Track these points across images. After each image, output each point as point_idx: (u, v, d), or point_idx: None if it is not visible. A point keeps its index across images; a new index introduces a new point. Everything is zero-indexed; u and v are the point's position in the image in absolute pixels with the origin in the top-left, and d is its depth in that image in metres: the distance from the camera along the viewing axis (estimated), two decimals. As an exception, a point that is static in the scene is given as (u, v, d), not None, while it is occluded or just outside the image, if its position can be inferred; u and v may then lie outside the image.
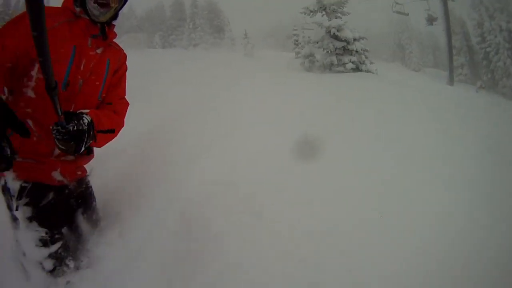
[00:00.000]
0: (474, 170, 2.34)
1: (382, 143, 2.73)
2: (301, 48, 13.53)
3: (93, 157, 1.75)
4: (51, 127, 1.26)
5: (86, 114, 1.37)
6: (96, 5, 1.41)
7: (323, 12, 10.80)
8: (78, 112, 1.38)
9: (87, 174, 1.78)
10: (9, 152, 1.01)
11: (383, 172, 2.16)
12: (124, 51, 1.72)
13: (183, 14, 33.61)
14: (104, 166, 2.16)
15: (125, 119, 1.72)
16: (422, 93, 6.94)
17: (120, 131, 1.68)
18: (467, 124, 3.98)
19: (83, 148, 1.34)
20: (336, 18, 10.59)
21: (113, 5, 1.44)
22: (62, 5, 1.51)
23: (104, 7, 1.42)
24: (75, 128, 1.28)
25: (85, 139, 1.33)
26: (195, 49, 26.10)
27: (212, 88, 5.01)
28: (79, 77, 1.46)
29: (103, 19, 1.46)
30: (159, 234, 1.72)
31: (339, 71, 10.21)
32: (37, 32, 0.72)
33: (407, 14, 23.61)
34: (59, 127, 1.23)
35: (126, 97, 1.76)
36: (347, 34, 9.94)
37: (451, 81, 20.19)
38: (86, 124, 1.33)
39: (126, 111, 1.72)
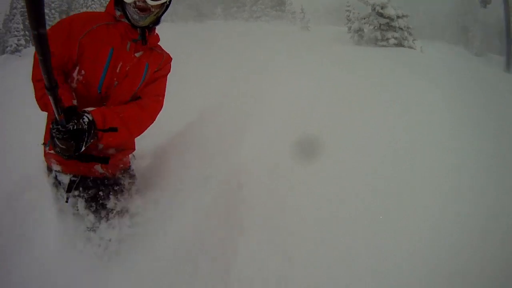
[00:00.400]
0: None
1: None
2: (351, 23, 14.88)
3: (133, 150, 1.81)
4: (50, 127, 1.23)
5: (88, 112, 1.35)
6: (135, 9, 1.39)
7: (371, -10, 12.11)
8: (80, 111, 1.35)
9: (130, 165, 1.85)
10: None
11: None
12: (169, 54, 1.69)
13: (244, -13, 34.84)
14: (148, 147, 2.16)
15: (156, 116, 1.66)
16: (455, 73, 5.28)
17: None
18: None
19: (83, 148, 1.30)
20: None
21: (153, 10, 1.42)
22: (105, 10, 1.53)
23: (144, 12, 1.40)
24: (74, 127, 1.24)
25: (86, 139, 1.29)
26: (256, 22, 27.46)
27: (265, 55, 5.39)
28: (115, 78, 1.48)
29: (142, 23, 1.44)
30: (195, 213, 1.75)
31: (382, 45, 11.59)
32: (37, 31, 0.71)
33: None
34: (58, 126, 1.20)
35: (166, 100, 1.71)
36: (390, 11, 11.27)
37: (507, 67, 19.68)
38: (86, 123, 1.29)
39: (156, 110, 1.65)
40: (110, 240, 1.65)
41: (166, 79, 1.70)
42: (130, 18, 1.43)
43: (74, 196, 1.57)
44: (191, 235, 1.63)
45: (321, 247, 1.43)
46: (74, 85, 1.47)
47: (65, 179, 1.58)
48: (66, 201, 1.57)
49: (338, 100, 2.69)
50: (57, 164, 1.57)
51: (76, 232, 1.62)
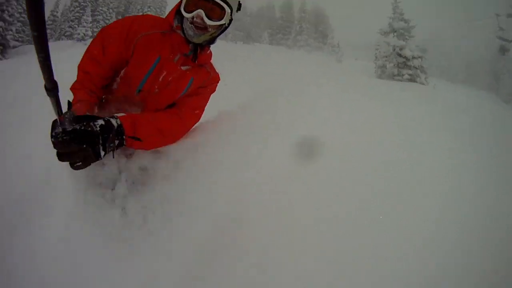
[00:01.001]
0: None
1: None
2: (377, 60, 17.70)
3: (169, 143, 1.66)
4: (50, 133, 1.09)
5: (116, 117, 1.28)
6: (192, 25, 1.36)
7: (394, 34, 14.96)
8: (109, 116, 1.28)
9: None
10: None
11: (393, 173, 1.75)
12: (218, 75, 1.66)
13: (291, 17, 37.87)
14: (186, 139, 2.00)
15: (191, 128, 1.63)
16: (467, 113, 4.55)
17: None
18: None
19: (103, 152, 1.20)
20: (403, 40, 14.62)
21: (210, 29, 1.38)
22: (166, 17, 1.52)
23: (200, 30, 1.37)
24: (82, 128, 1.13)
25: (100, 142, 1.19)
26: (299, 50, 30.45)
27: (300, 82, 5.65)
28: (156, 86, 1.47)
29: (196, 41, 1.41)
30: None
31: (398, 79, 14.14)
32: (37, 32, 0.72)
33: (511, 41, 23.53)
34: (59, 129, 1.07)
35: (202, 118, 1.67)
36: (407, 52, 13.92)
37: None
38: (98, 125, 1.19)
39: (192, 123, 1.62)
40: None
41: (209, 97, 1.66)
42: (185, 32, 1.40)
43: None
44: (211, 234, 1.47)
45: (321, 247, 1.37)
46: (118, 79, 1.53)
47: None
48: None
49: (349, 113, 2.58)
50: None
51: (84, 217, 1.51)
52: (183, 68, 1.49)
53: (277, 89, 2.93)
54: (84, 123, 1.17)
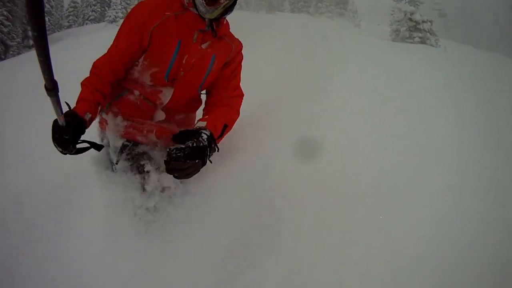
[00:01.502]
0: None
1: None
2: (392, 25, 19.46)
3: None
4: (167, 150, 1.31)
5: (205, 128, 1.41)
6: (203, 2, 1.35)
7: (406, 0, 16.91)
8: (195, 128, 1.42)
9: None
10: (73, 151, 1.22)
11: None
12: (240, 42, 1.66)
13: (312, -17, 38.68)
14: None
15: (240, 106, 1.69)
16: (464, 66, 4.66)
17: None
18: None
19: (207, 161, 1.37)
20: (414, 6, 16.52)
21: (222, 1, 1.36)
22: None
23: (212, 5, 1.36)
24: (194, 145, 1.31)
25: (208, 153, 1.36)
26: (320, 17, 31.70)
27: (319, 46, 4.70)
28: (181, 69, 1.51)
29: (210, 16, 1.40)
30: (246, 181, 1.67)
31: (409, 42, 16.01)
32: (37, 32, 0.71)
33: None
34: (174, 150, 1.28)
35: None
36: (417, 17, 15.82)
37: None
38: (205, 139, 1.36)
39: (240, 103, 1.69)
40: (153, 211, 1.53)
41: (241, 67, 1.68)
42: (198, 9, 1.40)
43: (124, 160, 1.58)
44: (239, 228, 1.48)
45: (320, 247, 1.38)
46: (139, 68, 1.52)
47: (119, 143, 1.60)
48: (116, 163, 1.60)
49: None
50: (114, 129, 1.60)
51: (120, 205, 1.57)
52: (203, 46, 1.50)
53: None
54: (195, 140, 1.33)
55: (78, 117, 1.25)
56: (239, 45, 1.67)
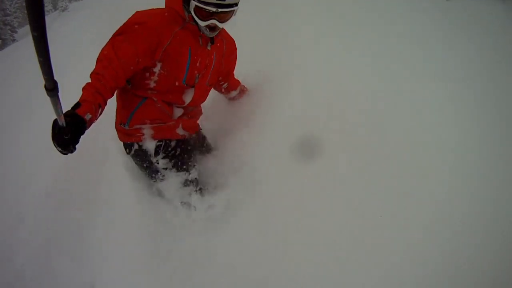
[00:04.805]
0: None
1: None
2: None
3: (202, 113, 2.07)
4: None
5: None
6: (207, 29, 1.55)
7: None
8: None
9: (200, 127, 2.12)
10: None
11: None
12: (231, 38, 1.88)
13: None
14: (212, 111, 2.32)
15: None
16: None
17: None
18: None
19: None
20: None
21: (221, 26, 1.56)
22: (166, 4, 1.61)
23: (214, 30, 1.57)
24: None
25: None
26: None
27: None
28: (196, 72, 1.68)
29: (211, 35, 1.61)
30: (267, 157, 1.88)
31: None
32: (37, 32, 0.71)
33: None
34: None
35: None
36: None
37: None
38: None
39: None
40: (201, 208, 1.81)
41: (236, 52, 1.96)
42: (199, 28, 1.56)
43: (163, 158, 1.78)
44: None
45: (319, 247, 1.43)
46: (155, 77, 1.62)
47: (151, 145, 1.76)
48: (157, 163, 1.77)
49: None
50: (144, 134, 1.75)
51: (169, 189, 1.82)
52: (208, 47, 1.68)
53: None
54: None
55: (78, 117, 1.24)
56: (230, 42, 1.89)
